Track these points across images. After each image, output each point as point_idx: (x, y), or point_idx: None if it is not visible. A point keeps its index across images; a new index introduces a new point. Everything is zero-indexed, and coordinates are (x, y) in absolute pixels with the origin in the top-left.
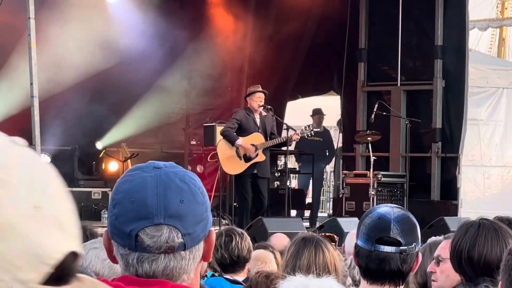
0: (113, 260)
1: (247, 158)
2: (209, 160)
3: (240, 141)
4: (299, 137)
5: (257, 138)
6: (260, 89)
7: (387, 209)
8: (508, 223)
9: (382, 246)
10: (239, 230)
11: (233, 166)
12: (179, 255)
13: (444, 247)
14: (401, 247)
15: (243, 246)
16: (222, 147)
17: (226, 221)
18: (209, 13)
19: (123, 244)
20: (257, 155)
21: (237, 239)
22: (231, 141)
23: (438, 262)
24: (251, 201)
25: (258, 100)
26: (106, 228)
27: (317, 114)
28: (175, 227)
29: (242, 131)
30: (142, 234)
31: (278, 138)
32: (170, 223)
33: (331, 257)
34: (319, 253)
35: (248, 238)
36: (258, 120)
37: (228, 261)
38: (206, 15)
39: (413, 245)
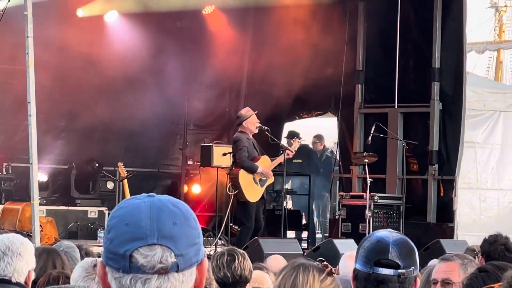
0: None
1: (262, 183)
2: (228, 192)
3: (261, 168)
4: (293, 153)
5: (266, 161)
6: (252, 111)
7: (386, 233)
8: (505, 241)
9: (380, 269)
10: (241, 250)
11: (253, 193)
12: (172, 277)
13: (453, 270)
14: (399, 270)
15: (245, 266)
16: (243, 177)
17: (223, 242)
18: (207, 34)
19: (117, 267)
20: (268, 178)
21: (240, 258)
22: (253, 170)
23: (444, 285)
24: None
25: (255, 121)
26: (101, 259)
27: (291, 138)
28: (168, 247)
29: (248, 156)
30: (136, 254)
31: (278, 159)
32: (163, 244)
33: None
34: (299, 277)
35: (249, 258)
36: (254, 143)
37: (231, 280)
38: (204, 36)
39: (412, 269)
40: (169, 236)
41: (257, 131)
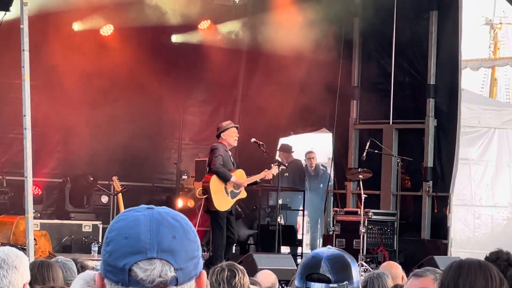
0: None
1: (233, 195)
2: (198, 195)
3: (234, 178)
4: (271, 177)
5: (242, 174)
6: (233, 124)
7: (323, 249)
8: (507, 257)
9: (312, 283)
10: (240, 266)
11: (222, 202)
12: None
13: (410, 285)
14: (330, 284)
15: (244, 282)
16: (215, 183)
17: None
18: (203, 50)
19: (116, 280)
20: (240, 191)
21: (240, 274)
22: (227, 178)
23: None
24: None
25: (234, 135)
26: (99, 271)
27: (283, 150)
28: (168, 261)
29: (223, 167)
30: (136, 268)
31: (256, 176)
32: (163, 258)
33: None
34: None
35: (247, 275)
36: (231, 156)
37: None
38: (200, 51)
39: (344, 283)
40: (169, 250)
41: (235, 144)
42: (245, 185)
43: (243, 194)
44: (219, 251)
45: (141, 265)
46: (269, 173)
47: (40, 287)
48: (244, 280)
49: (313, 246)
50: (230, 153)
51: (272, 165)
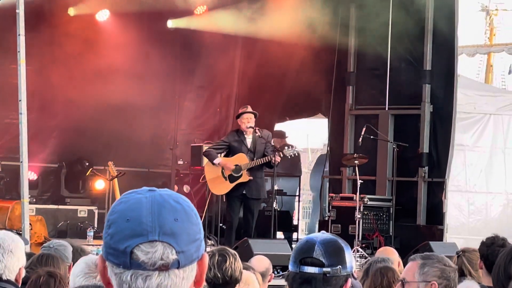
0: (107, 285)
1: (232, 179)
2: (200, 181)
3: (219, 160)
4: (280, 158)
5: (241, 158)
6: (248, 110)
7: (317, 234)
8: (502, 243)
9: (305, 267)
10: (232, 251)
11: (219, 186)
12: (173, 273)
13: (409, 269)
14: (324, 268)
15: (236, 267)
16: (209, 168)
17: (212, 242)
18: (199, 35)
19: (117, 263)
20: (241, 175)
21: (231, 259)
22: (211, 160)
23: (403, 285)
24: (240, 221)
25: (245, 121)
26: (101, 253)
27: (277, 136)
28: (170, 244)
29: (231, 152)
30: (137, 251)
31: (262, 159)
32: (164, 240)
33: None
34: None
35: (239, 259)
36: (249, 141)
37: (221, 281)
38: (196, 37)
39: (338, 267)
40: (170, 233)
41: (248, 130)
42: (232, 167)
43: (244, 178)
44: (227, 235)
45: (142, 248)
46: (279, 155)
47: (35, 275)
48: (235, 265)
49: (311, 230)
50: (251, 135)
51: (286, 148)
